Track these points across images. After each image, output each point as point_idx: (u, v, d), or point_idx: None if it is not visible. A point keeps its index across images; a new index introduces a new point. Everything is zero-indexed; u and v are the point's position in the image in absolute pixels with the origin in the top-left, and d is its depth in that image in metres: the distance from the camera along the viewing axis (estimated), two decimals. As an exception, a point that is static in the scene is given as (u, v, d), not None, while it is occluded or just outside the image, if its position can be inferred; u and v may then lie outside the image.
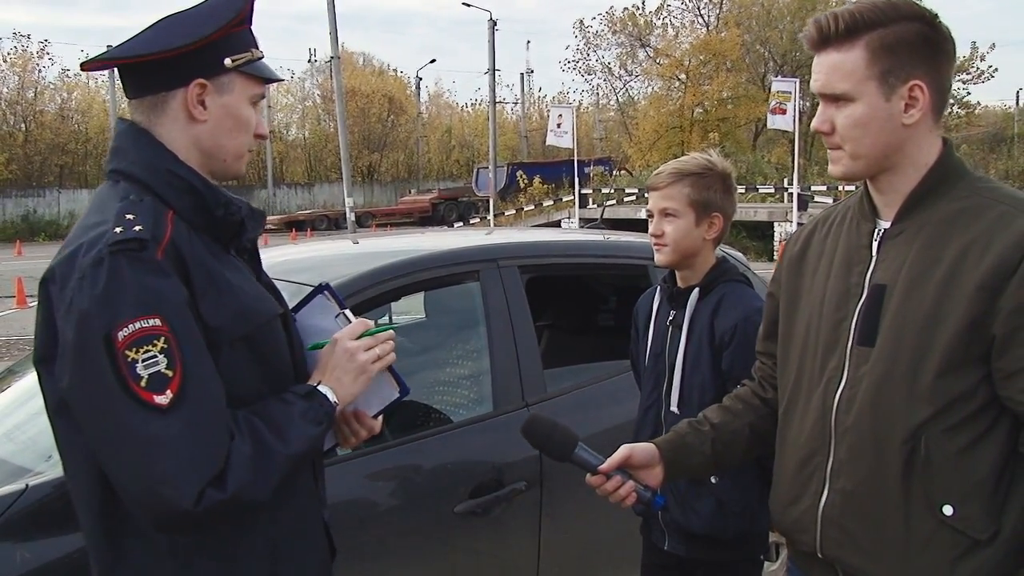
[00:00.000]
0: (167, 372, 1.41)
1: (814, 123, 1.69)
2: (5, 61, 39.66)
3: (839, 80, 1.60)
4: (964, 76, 34.11)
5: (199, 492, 1.40)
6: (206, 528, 1.51)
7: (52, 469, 2.27)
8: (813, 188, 22.79)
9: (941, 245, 1.58)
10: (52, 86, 41.04)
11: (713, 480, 2.34)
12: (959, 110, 34.83)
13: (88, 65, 1.68)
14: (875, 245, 1.68)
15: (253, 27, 1.68)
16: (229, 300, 1.55)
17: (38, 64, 40.10)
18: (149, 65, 1.58)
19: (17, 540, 2.13)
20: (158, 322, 1.42)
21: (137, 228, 1.46)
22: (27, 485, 2.19)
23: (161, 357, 1.41)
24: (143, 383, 1.40)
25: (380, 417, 1.80)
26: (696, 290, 2.43)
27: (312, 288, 1.85)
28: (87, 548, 1.63)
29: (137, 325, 1.40)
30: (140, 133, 1.60)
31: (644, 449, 1.88)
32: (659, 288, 2.59)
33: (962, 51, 34.89)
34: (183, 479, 1.40)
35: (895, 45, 1.57)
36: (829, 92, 1.63)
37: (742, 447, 1.97)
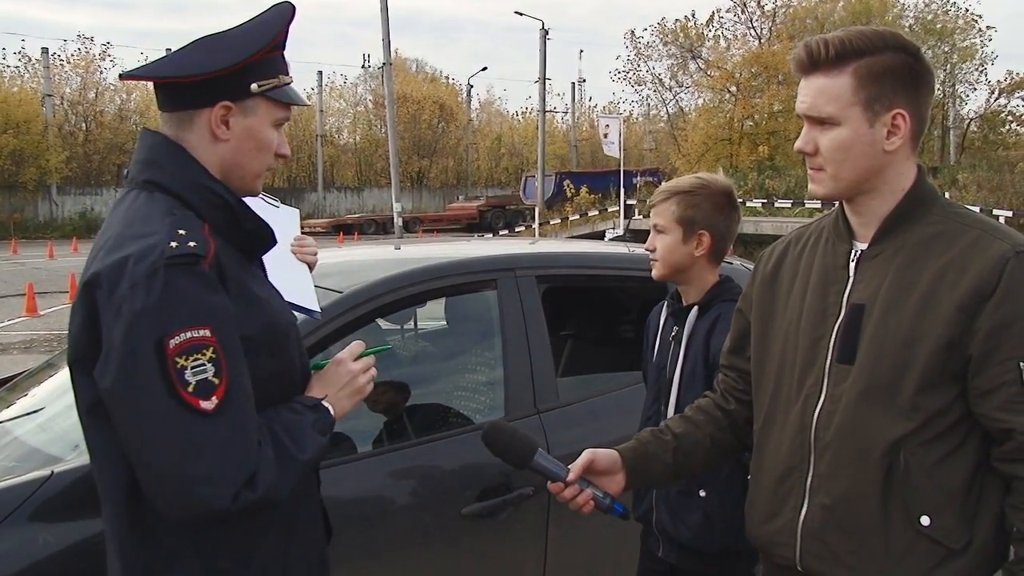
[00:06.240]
0: (214, 380, 1.50)
1: (798, 143, 1.74)
2: (69, 63, 40.87)
3: (825, 104, 1.66)
4: (1023, 93, 33.40)
5: (235, 492, 1.50)
6: (230, 520, 1.60)
7: (78, 458, 2.39)
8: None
9: (918, 267, 1.63)
10: (112, 87, 42.03)
11: (702, 493, 2.38)
12: (1017, 127, 34.09)
13: (126, 76, 1.74)
14: (852, 266, 1.72)
15: (287, 51, 1.74)
16: (258, 311, 1.65)
17: (100, 66, 41.33)
18: (180, 84, 1.65)
19: (41, 524, 2.23)
20: (208, 333, 1.50)
21: (192, 244, 1.54)
22: (52, 472, 2.30)
23: (209, 366, 1.50)
24: (190, 388, 1.48)
25: None
26: (695, 308, 2.48)
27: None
28: (107, 539, 1.71)
29: (188, 335, 1.48)
30: (175, 147, 1.66)
31: (607, 455, 1.92)
32: (666, 303, 2.64)
33: (1021, 68, 34.10)
34: (223, 480, 1.50)
35: (881, 74, 1.63)
36: (815, 115, 1.69)
37: (702, 457, 2.01)
